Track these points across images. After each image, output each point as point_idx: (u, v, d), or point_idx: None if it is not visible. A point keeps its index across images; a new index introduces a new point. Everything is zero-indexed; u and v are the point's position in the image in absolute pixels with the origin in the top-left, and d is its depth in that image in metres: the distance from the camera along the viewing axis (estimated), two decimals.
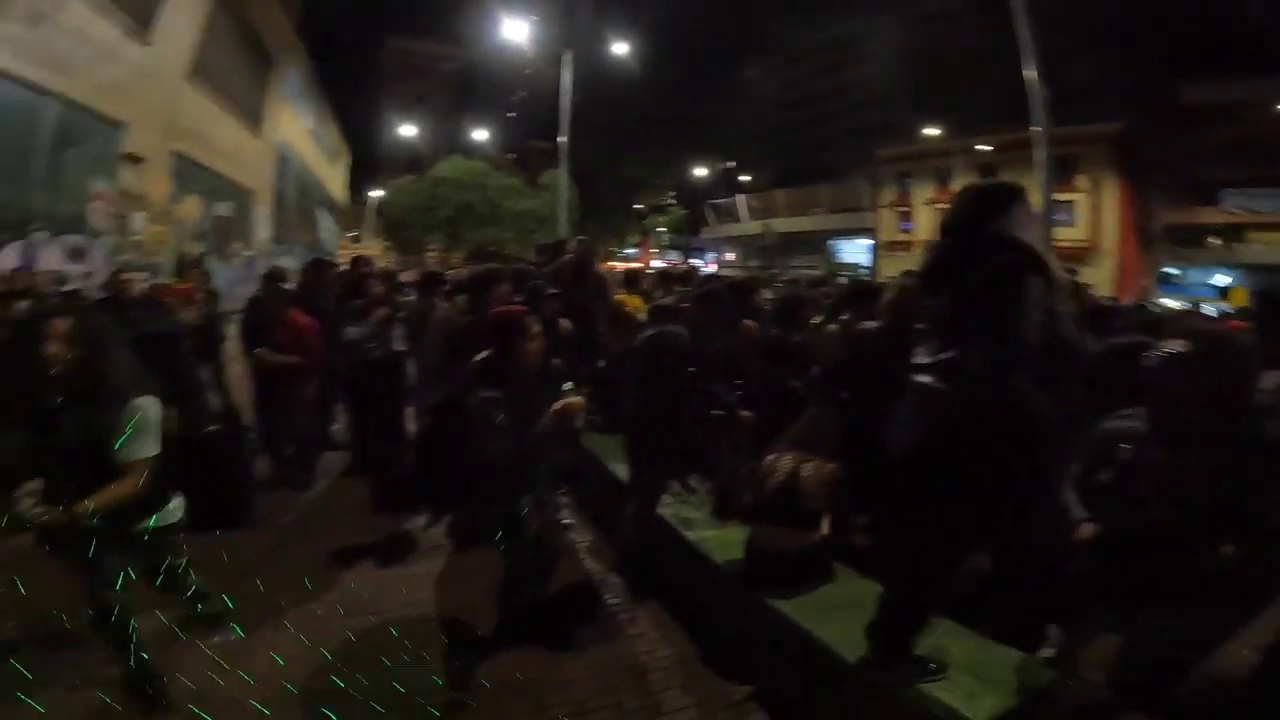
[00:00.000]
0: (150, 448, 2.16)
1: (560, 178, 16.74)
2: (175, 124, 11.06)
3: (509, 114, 51.67)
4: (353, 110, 27.73)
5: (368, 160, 35.72)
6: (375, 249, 11.51)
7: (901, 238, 32.95)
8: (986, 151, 26.52)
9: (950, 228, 1.83)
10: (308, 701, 2.45)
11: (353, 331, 4.53)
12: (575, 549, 3.66)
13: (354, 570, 3.51)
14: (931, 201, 31.54)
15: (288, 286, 5.00)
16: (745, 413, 3.04)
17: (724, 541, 2.86)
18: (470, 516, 2.64)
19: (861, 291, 3.59)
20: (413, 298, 5.28)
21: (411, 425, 4.97)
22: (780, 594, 2.42)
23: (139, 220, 9.85)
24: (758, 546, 2.51)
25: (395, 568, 3.54)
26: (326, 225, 25.25)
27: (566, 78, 15.16)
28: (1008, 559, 1.82)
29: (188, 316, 4.66)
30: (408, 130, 37.53)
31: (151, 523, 2.26)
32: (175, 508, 2.37)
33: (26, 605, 2.72)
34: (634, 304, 4.64)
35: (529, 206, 27.92)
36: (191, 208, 12.26)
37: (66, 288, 6.32)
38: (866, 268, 31.64)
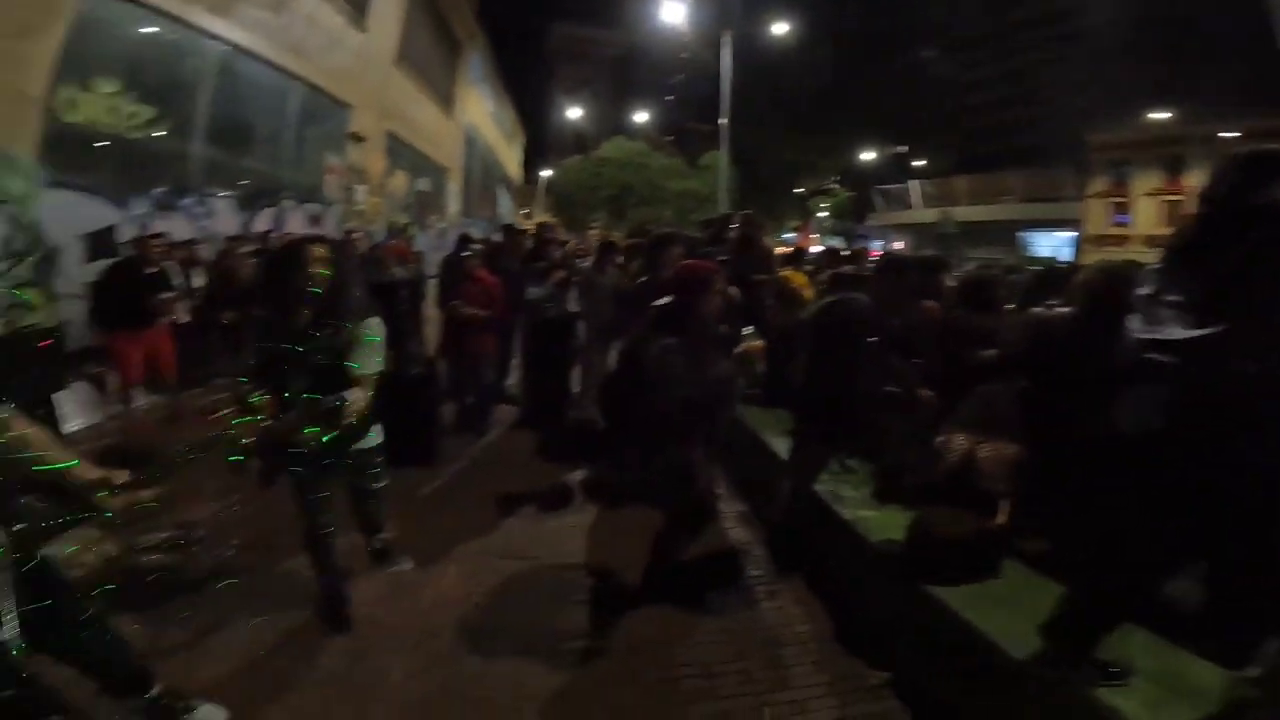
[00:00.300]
0: (377, 364, 2.38)
1: (721, 159, 16.72)
2: (387, 106, 12.52)
3: (667, 97, 52.07)
4: (525, 94, 29.75)
5: (538, 141, 37.78)
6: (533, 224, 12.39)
7: (1114, 231, 28.99)
8: (1232, 139, 22.24)
9: (1211, 197, 1.65)
10: (463, 636, 2.71)
11: (534, 291, 4.94)
12: (723, 516, 3.73)
13: (515, 516, 3.82)
14: (1157, 193, 27.40)
15: (477, 248, 5.59)
16: (926, 392, 2.89)
17: (882, 523, 2.80)
18: (642, 467, 2.76)
19: (1063, 275, 3.28)
20: (588, 264, 5.58)
21: (576, 384, 5.35)
22: (941, 581, 2.32)
23: (361, 192, 11.43)
24: (923, 530, 2.42)
25: (552, 516, 3.82)
26: (504, 202, 27.57)
27: (726, 59, 14.97)
28: (1238, 561, 1.62)
29: (401, 273, 5.39)
30: (574, 113, 39.29)
31: (362, 444, 2.51)
32: (376, 434, 2.58)
33: (243, 526, 3.27)
34: (798, 281, 4.57)
35: (689, 187, 28.38)
36: (400, 182, 13.99)
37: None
38: (1065, 262, 28.18)
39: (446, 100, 17.35)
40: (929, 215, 36.59)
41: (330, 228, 9.77)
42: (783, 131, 37.84)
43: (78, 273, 5.41)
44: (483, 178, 24.03)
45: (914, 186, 40.01)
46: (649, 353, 2.41)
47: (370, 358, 2.37)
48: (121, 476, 1.69)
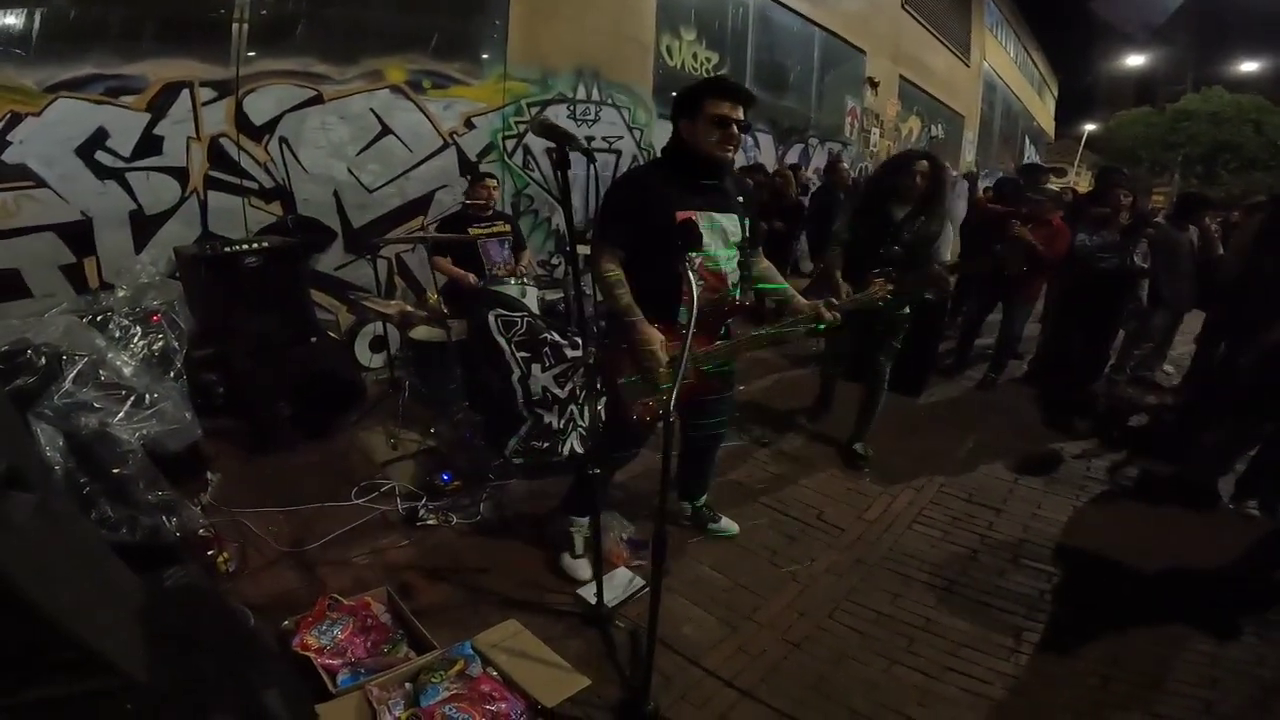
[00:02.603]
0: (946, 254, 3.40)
1: None
2: (899, 51, 12.57)
3: None
4: (1058, 40, 25.96)
5: (1077, 92, 32.76)
6: (1083, 185, 10.52)
7: None
8: None
9: None
10: (893, 555, 2.83)
11: (1084, 239, 4.46)
12: None
13: (993, 467, 3.72)
14: None
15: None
16: None
17: None
18: None
19: None
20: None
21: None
22: None
23: (875, 135, 11.86)
24: None
25: (1035, 481, 3.59)
26: (1030, 156, 25.06)
27: None
28: None
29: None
30: (1134, 60, 32.14)
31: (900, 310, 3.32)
32: (908, 309, 3.37)
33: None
34: None
35: None
36: (914, 127, 14.00)
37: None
38: None
39: (961, 46, 16.35)
40: None
41: (848, 166, 10.49)
42: None
43: None
44: (1004, 127, 22.07)
45: None
46: None
47: (945, 247, 3.30)
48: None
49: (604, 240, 2.21)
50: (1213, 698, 2.12)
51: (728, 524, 2.87)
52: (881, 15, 11.83)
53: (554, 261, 6.09)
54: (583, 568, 2.52)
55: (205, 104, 3.78)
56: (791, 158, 9.43)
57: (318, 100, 4.19)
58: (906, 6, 12.62)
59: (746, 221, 2.30)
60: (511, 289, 3.32)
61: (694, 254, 2.07)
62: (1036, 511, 3.27)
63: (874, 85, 11.66)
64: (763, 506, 3.14)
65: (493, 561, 2.60)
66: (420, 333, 3.43)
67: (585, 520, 2.59)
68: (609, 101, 6.33)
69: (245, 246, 3.38)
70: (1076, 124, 29.49)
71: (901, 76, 12.84)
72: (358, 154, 4.45)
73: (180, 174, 3.77)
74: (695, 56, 7.62)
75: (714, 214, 2.20)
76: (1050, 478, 3.63)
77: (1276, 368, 2.68)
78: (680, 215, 2.13)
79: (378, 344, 4.29)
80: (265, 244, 3.47)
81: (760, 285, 2.48)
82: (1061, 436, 4.15)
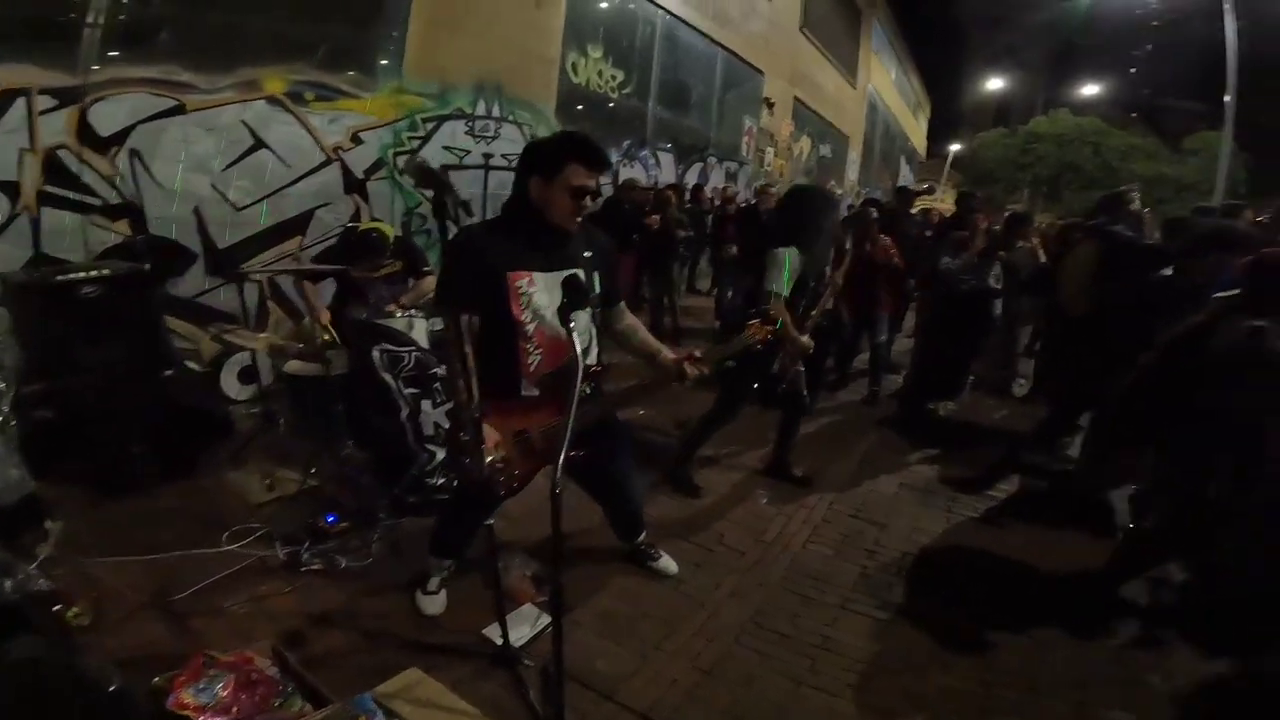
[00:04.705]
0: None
1: (1222, 141, 13.36)
2: (795, 72, 13.10)
3: (1130, 69, 43.24)
4: (934, 62, 28.38)
5: (947, 113, 35.60)
6: (947, 202, 11.46)
7: None
8: None
9: None
10: (791, 574, 2.94)
11: (947, 261, 4.77)
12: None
13: (877, 482, 3.90)
14: None
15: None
16: None
17: None
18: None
19: None
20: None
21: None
22: None
23: (769, 154, 12.32)
24: None
25: (906, 494, 3.80)
26: (905, 175, 26.78)
27: (1230, 28, 11.98)
28: None
29: None
30: (995, 83, 35.50)
31: None
32: None
33: None
34: None
35: (1163, 172, 24.21)
36: (805, 147, 14.66)
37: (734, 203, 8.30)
38: None
39: (849, 68, 17.35)
40: None
41: (741, 185, 10.81)
42: None
43: None
44: (883, 147, 23.58)
45: None
46: (1230, 336, 2.21)
47: None
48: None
49: (454, 308, 1.90)
50: (1083, 697, 2.27)
51: (667, 563, 2.81)
52: (781, 37, 12.26)
53: None
54: (431, 603, 2.46)
55: (43, 113, 3.37)
56: (691, 177, 9.60)
57: (179, 110, 3.83)
58: (804, 30, 13.21)
59: (596, 276, 2.12)
60: (398, 322, 3.12)
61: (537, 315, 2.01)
62: (916, 525, 3.44)
63: (770, 105, 12.13)
64: (665, 534, 3.09)
65: (389, 606, 2.44)
66: (294, 366, 3.18)
67: (446, 562, 2.51)
68: (510, 118, 6.20)
69: (84, 273, 3.01)
70: (946, 143, 32.01)
71: (796, 98, 13.43)
72: (224, 169, 4.10)
73: (9, 188, 3.34)
74: (601, 74, 7.61)
75: (555, 273, 1.96)
76: (924, 491, 3.83)
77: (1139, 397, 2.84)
78: (514, 277, 1.98)
79: (247, 375, 3.95)
80: (107, 270, 3.10)
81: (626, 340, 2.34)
82: (931, 450, 4.39)
